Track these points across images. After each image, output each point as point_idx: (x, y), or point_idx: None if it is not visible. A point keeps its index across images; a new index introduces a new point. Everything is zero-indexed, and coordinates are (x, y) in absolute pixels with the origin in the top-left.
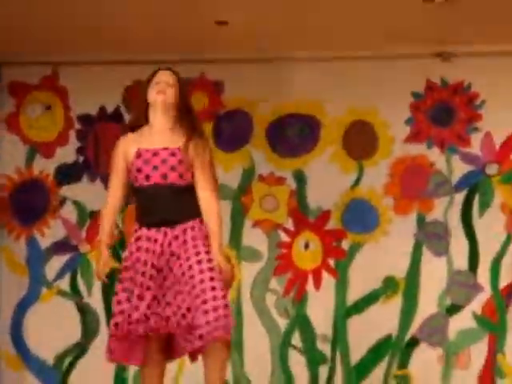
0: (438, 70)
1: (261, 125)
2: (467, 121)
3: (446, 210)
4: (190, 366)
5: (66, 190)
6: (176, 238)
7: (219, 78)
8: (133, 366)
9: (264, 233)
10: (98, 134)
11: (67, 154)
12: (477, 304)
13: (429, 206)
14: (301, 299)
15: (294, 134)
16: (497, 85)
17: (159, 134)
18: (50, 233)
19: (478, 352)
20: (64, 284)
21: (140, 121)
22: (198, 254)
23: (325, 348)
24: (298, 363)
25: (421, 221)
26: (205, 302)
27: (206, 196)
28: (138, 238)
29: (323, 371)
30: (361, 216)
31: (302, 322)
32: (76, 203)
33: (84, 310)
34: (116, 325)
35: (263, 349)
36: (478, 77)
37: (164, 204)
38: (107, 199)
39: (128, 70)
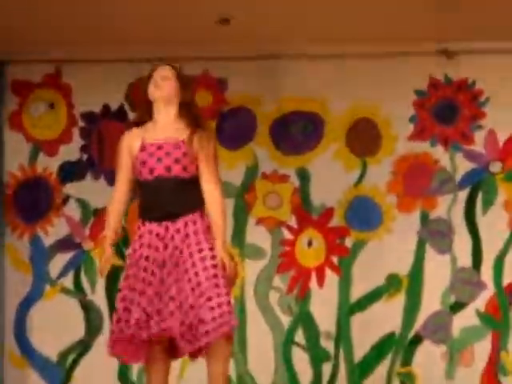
0: (441, 67)
1: (264, 122)
2: (471, 118)
3: (449, 207)
4: (194, 363)
5: (70, 188)
6: (178, 231)
7: (223, 76)
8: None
9: (267, 230)
10: (102, 131)
11: (71, 151)
12: (480, 301)
13: (432, 203)
14: (304, 296)
15: (298, 131)
16: (501, 82)
17: (163, 127)
18: (54, 230)
19: (482, 349)
20: (68, 281)
21: (144, 117)
22: (200, 250)
23: (328, 345)
24: (301, 360)
25: (424, 218)
26: (209, 299)
27: (210, 189)
28: (141, 235)
29: (326, 368)
30: (364, 213)
31: (305, 320)
32: (79, 201)
33: (87, 308)
34: (118, 321)
35: (267, 346)
36: (482, 74)
37: (167, 196)
38: (113, 194)
39: (131, 68)
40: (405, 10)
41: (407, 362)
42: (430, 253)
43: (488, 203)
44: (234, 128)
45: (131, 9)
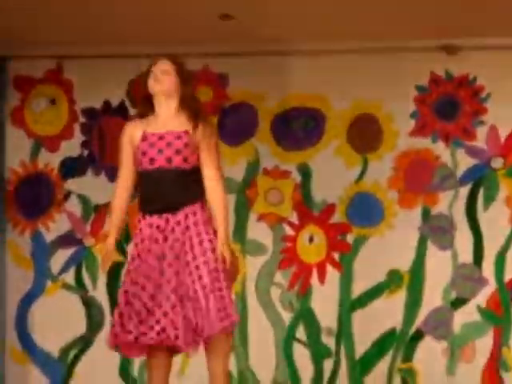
0: (442, 63)
1: (266, 118)
2: (472, 114)
3: (450, 203)
4: (196, 358)
5: (71, 184)
6: (178, 223)
7: (224, 71)
8: (138, 360)
9: (269, 226)
10: (103, 127)
11: (72, 147)
12: (481, 297)
13: (434, 199)
14: (305, 293)
15: (299, 127)
16: (502, 78)
17: (164, 120)
18: (55, 226)
19: (483, 345)
20: (69, 277)
21: (146, 112)
22: (201, 242)
23: (329, 341)
24: (302, 357)
25: (426, 214)
26: (211, 292)
27: (211, 179)
28: (142, 229)
29: (328, 365)
30: (365, 209)
31: (306, 316)
32: (81, 197)
33: (89, 304)
34: (120, 315)
35: (268, 342)
36: (484, 70)
37: (168, 188)
38: (115, 190)
39: (132, 64)
40: (406, 5)
41: (408, 358)
42: (432, 249)
43: (489, 199)
44: (235, 124)
45: (132, 5)
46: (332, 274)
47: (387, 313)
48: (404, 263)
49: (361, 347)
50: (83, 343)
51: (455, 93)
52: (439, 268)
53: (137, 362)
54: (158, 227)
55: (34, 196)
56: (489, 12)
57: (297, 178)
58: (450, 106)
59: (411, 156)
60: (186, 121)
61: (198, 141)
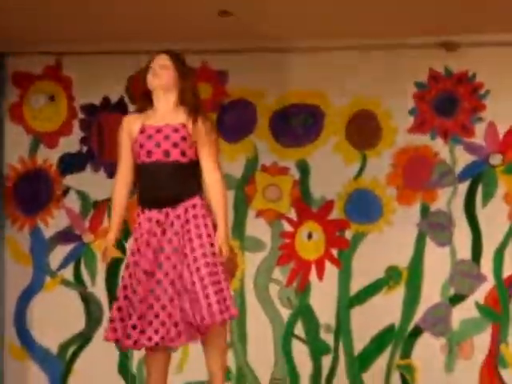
0: (442, 59)
1: (264, 115)
2: (471, 111)
3: (449, 200)
4: (194, 353)
5: (70, 180)
6: (178, 217)
7: (223, 68)
8: (137, 356)
9: (267, 223)
10: (102, 123)
11: (71, 143)
12: (480, 294)
13: (432, 196)
14: (304, 289)
15: (298, 124)
16: (501, 75)
17: (163, 114)
18: (54, 222)
19: (481, 342)
20: (68, 273)
21: (145, 107)
22: (199, 236)
23: (328, 338)
24: (301, 353)
25: (424, 211)
26: (209, 284)
27: (210, 168)
28: (141, 223)
29: (326, 361)
30: (364, 206)
31: (305, 312)
32: (79, 193)
33: (88, 300)
34: (119, 309)
35: (266, 339)
36: (483, 67)
37: (166, 181)
38: (115, 185)
39: (131, 61)
40: (405, 2)
41: (407, 354)
42: (430, 245)
43: (488, 196)
44: (234, 120)
45: (131, 2)
46: (330, 270)
47: (386, 309)
48: (402, 260)
49: (359, 343)
50: (82, 339)
51: (454, 89)
52: (438, 264)
53: (136, 359)
54: (157, 221)
55: (33, 192)
56: (488, 8)
57: (295, 174)
58: (448, 102)
59: (410, 153)
60: (185, 115)
61: (196, 135)
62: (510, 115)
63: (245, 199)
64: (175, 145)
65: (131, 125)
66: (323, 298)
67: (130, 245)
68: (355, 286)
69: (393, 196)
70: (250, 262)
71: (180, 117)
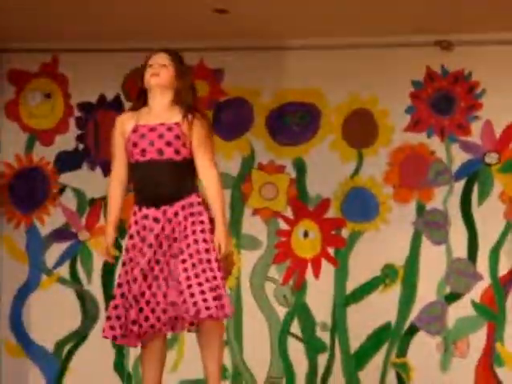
0: (438, 58)
1: (261, 113)
2: (467, 109)
3: (445, 198)
4: (190, 352)
5: (66, 178)
6: (175, 214)
7: (219, 66)
8: (133, 354)
9: (263, 221)
10: (98, 121)
11: (67, 141)
12: (476, 292)
13: (428, 194)
14: (300, 287)
15: (294, 122)
16: (497, 73)
17: (157, 113)
18: (50, 220)
19: (477, 340)
20: (64, 271)
21: (141, 105)
22: (194, 232)
23: (324, 336)
24: (297, 351)
25: (420, 209)
26: (206, 280)
27: (205, 166)
28: (137, 221)
29: (322, 359)
30: (360, 204)
31: (301, 311)
32: (76, 191)
33: (84, 298)
34: (115, 307)
35: (262, 337)
36: (479, 65)
37: (161, 180)
38: (110, 183)
39: (128, 58)
40: (402, 1)
41: (402, 352)
42: (426, 244)
43: (484, 194)
44: (230, 118)
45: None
46: (327, 268)
47: (382, 307)
48: (399, 258)
49: (355, 342)
50: (78, 337)
51: (450, 88)
52: (434, 263)
53: (132, 357)
54: (154, 218)
55: (29, 190)
56: (484, 7)
57: (292, 172)
58: (445, 101)
59: (406, 151)
60: (180, 114)
61: (191, 133)
62: (506, 114)
63: (241, 197)
64: (169, 143)
65: (124, 125)
66: (319, 296)
67: (125, 242)
68: (351, 285)
69: (389, 194)
70: (246, 260)
71: (175, 116)
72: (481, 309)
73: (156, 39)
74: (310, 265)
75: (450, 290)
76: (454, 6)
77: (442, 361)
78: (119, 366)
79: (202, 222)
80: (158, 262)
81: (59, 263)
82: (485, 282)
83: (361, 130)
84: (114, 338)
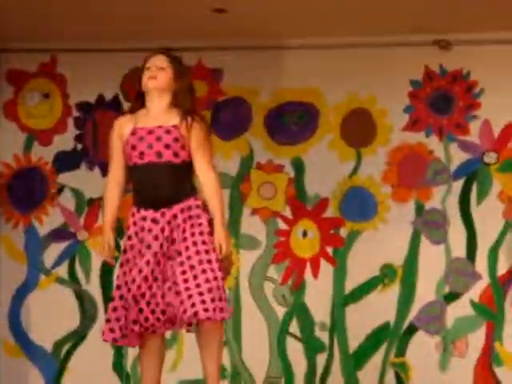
0: (436, 58)
1: (259, 113)
2: (466, 109)
3: (444, 198)
4: (188, 352)
5: (64, 178)
6: (174, 217)
7: (218, 66)
8: (132, 354)
9: (262, 221)
10: (97, 121)
11: (65, 141)
12: (474, 292)
13: (427, 194)
14: (299, 287)
15: (293, 121)
16: (496, 73)
17: (155, 116)
18: (48, 220)
19: (476, 340)
20: (62, 271)
21: (139, 107)
22: (193, 234)
23: (323, 336)
24: (295, 351)
25: (419, 209)
26: (199, 285)
27: (203, 168)
28: (136, 222)
29: (321, 359)
30: (359, 204)
31: (299, 310)
32: (74, 191)
33: (82, 297)
34: (114, 309)
35: (261, 336)
36: (477, 65)
37: (159, 183)
38: (107, 185)
39: (126, 58)
40: (400, 0)
41: (401, 352)
42: (425, 243)
43: (483, 194)
44: (229, 118)
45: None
46: (325, 268)
47: (381, 307)
48: (397, 258)
49: (354, 342)
50: (77, 337)
51: (449, 87)
52: (432, 262)
53: (130, 357)
54: (153, 220)
55: (28, 190)
56: (483, 6)
57: (290, 172)
58: (443, 100)
59: (405, 151)
60: (178, 116)
61: (189, 136)
62: (505, 113)
63: (240, 197)
64: (167, 146)
65: (123, 128)
66: (318, 296)
67: (123, 242)
68: (350, 284)
69: (388, 194)
70: (245, 260)
71: (173, 118)
72: (480, 308)
73: (155, 39)
74: (308, 264)
75: (449, 289)
76: (452, 5)
77: (440, 360)
78: (118, 365)
79: (200, 225)
80: (157, 263)
81: (58, 263)
82: (484, 282)
83: (359, 129)
84: (114, 340)
